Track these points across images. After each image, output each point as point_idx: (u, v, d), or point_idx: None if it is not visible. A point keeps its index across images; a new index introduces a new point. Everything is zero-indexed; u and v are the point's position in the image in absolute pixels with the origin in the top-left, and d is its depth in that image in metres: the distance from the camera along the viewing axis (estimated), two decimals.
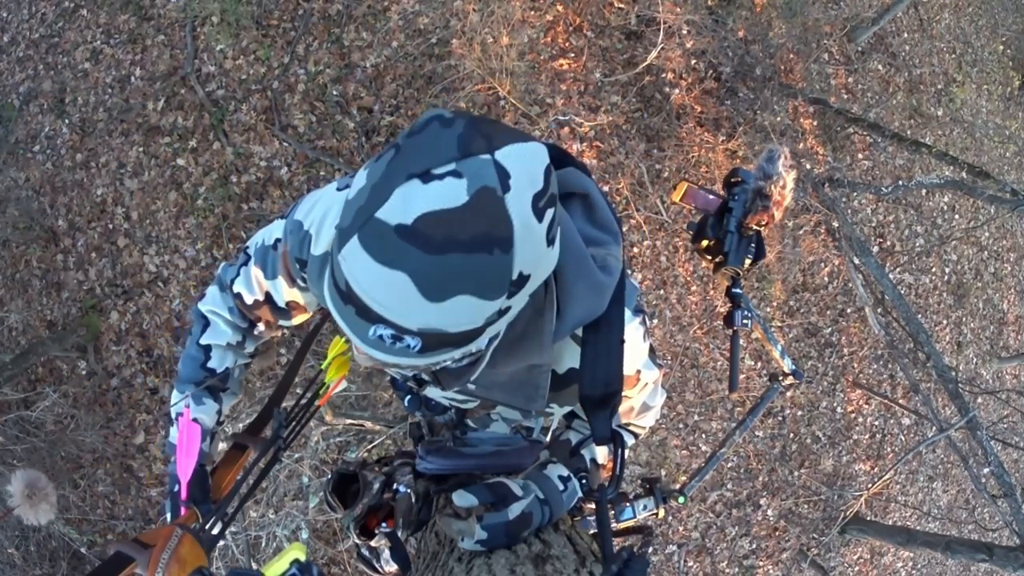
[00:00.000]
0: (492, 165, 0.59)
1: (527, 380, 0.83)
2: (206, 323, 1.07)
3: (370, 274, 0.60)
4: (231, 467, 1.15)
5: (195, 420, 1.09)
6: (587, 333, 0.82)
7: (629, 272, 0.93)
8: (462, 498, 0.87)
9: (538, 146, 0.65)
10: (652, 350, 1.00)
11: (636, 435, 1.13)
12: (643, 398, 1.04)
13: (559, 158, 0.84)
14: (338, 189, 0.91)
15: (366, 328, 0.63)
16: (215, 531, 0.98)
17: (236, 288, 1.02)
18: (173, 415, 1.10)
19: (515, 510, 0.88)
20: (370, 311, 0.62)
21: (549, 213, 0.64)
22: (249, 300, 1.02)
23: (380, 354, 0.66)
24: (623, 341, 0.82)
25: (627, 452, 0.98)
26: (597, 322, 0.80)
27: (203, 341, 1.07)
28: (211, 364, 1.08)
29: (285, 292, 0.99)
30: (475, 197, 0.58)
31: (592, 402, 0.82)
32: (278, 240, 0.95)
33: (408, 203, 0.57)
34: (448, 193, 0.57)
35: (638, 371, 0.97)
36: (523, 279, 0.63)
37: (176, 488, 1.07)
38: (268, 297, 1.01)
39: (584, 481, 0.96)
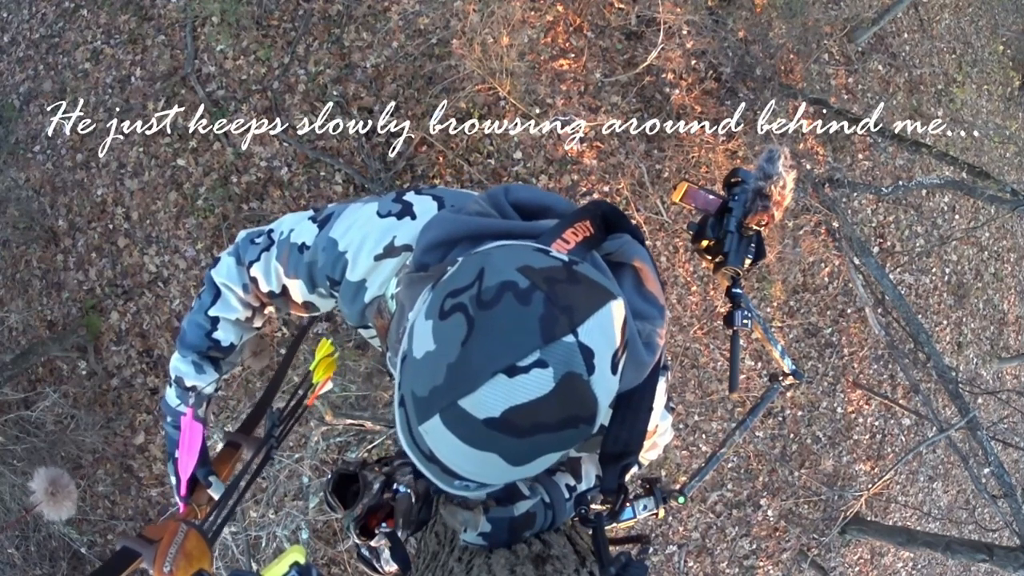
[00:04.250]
0: (577, 349, 0.59)
1: None
2: (217, 293, 1.05)
3: (457, 452, 0.61)
4: (225, 465, 1.16)
5: (195, 391, 1.08)
6: (621, 399, 0.83)
7: None
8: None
9: (616, 305, 0.64)
10: (669, 398, 1.04)
11: (641, 466, 1.16)
12: (654, 440, 1.08)
13: (616, 222, 0.84)
14: (379, 215, 0.89)
15: (451, 481, 0.66)
16: (215, 527, 0.99)
17: (254, 272, 1.01)
18: (172, 376, 1.09)
19: (520, 508, 0.90)
20: (456, 474, 0.64)
21: (622, 361, 0.66)
22: (265, 288, 1.01)
23: (464, 493, 0.68)
24: (652, 408, 0.84)
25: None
26: (632, 391, 0.82)
27: (212, 312, 1.05)
28: (217, 335, 1.06)
29: (304, 294, 0.98)
30: (561, 384, 0.58)
31: (609, 457, 0.84)
32: (305, 246, 0.94)
33: (495, 399, 0.57)
34: (535, 385, 0.57)
35: (656, 424, 1.01)
36: (598, 429, 0.66)
37: (175, 464, 1.08)
38: (285, 291, 1.00)
39: (584, 510, 0.97)
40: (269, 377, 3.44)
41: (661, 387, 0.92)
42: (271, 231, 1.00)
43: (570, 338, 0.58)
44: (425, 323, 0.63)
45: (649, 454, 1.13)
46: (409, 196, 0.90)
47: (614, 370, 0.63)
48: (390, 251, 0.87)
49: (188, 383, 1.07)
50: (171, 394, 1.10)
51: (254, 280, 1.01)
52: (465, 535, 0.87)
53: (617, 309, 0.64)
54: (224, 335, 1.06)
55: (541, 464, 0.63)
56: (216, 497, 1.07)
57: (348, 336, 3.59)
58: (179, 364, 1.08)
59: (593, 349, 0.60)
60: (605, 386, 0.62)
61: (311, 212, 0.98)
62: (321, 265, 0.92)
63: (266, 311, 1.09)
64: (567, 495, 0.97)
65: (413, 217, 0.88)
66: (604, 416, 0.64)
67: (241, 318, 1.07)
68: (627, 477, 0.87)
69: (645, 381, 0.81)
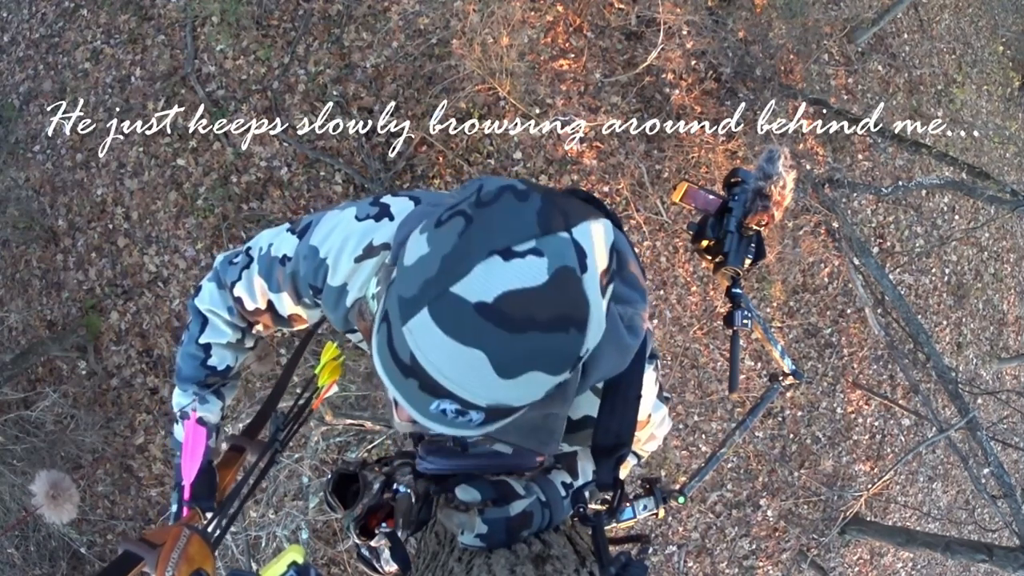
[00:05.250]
0: (571, 244, 0.59)
1: (542, 425, 0.82)
2: (204, 321, 1.05)
3: (443, 350, 0.58)
4: (230, 469, 1.16)
5: (200, 421, 1.08)
6: (607, 387, 0.83)
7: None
8: (465, 492, 0.88)
9: (605, 223, 0.65)
10: (660, 388, 1.03)
11: (640, 458, 1.15)
12: (650, 431, 1.07)
13: (592, 206, 0.85)
14: (357, 218, 0.89)
15: (429, 402, 0.62)
16: (217, 532, 0.98)
17: (237, 292, 1.01)
18: (177, 413, 1.09)
19: (516, 507, 0.89)
20: (438, 386, 0.60)
21: (609, 289, 0.65)
22: (250, 307, 1.01)
23: (438, 426, 0.65)
24: (640, 396, 0.83)
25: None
26: (618, 378, 0.82)
27: (203, 340, 1.06)
28: (211, 362, 1.07)
29: (288, 307, 0.98)
30: (555, 276, 0.57)
31: (601, 450, 0.84)
32: (287, 257, 0.93)
33: (490, 280, 0.56)
34: (530, 272, 0.56)
35: (649, 414, 1.01)
36: (587, 351, 0.63)
37: (180, 488, 1.07)
38: (270, 306, 1.00)
39: (582, 508, 0.96)
40: (270, 379, 3.45)
41: (651, 376, 0.91)
42: (248, 249, 1.00)
43: (565, 234, 0.58)
44: (420, 236, 0.63)
45: (649, 446, 1.12)
46: (386, 199, 0.91)
47: (603, 293, 0.63)
48: (369, 251, 0.87)
49: (196, 416, 1.08)
50: (179, 431, 1.10)
51: (238, 300, 1.01)
52: (463, 537, 0.86)
53: (607, 230, 0.65)
54: (219, 360, 1.07)
55: (527, 386, 0.60)
56: (208, 516, 1.07)
57: (347, 338, 3.59)
58: (181, 399, 1.08)
59: (586, 251, 0.60)
60: (595, 296, 0.60)
61: (288, 225, 0.98)
62: (303, 274, 0.92)
63: (255, 331, 1.08)
64: (563, 493, 0.96)
65: (391, 218, 0.88)
66: (593, 338, 0.62)
67: (232, 340, 1.07)
68: (625, 474, 0.87)
69: (631, 368, 0.81)
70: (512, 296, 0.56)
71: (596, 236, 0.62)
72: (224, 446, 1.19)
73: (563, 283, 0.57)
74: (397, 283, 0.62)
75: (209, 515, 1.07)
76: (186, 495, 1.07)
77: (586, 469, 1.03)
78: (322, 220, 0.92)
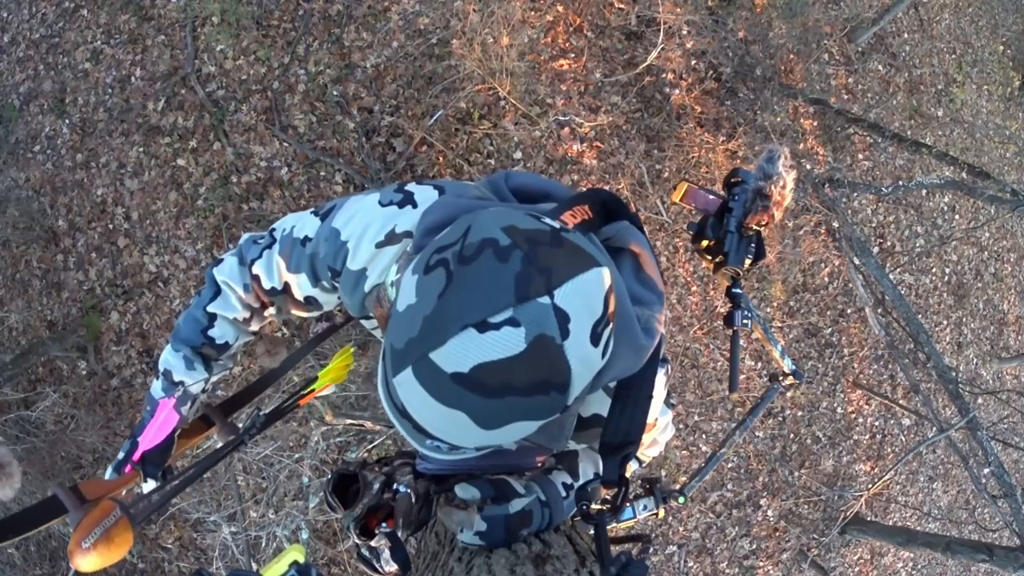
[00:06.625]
0: (551, 311, 0.58)
1: (554, 424, 0.83)
2: (217, 291, 1.05)
3: (426, 407, 0.60)
4: (191, 439, 1.14)
5: (182, 392, 1.07)
6: (620, 386, 0.83)
7: None
8: (464, 490, 0.89)
9: (598, 273, 0.62)
10: (668, 394, 1.03)
11: (640, 463, 1.17)
12: (654, 435, 1.07)
13: (615, 210, 0.84)
14: (381, 204, 0.90)
15: (423, 440, 0.65)
16: (153, 498, 0.98)
17: (256, 270, 1.01)
18: (161, 369, 1.08)
19: (516, 505, 0.90)
20: (427, 432, 0.63)
21: (606, 333, 0.64)
22: (267, 285, 1.01)
23: (438, 456, 0.67)
24: (651, 397, 0.84)
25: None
26: (631, 378, 0.82)
27: (211, 308, 1.05)
28: (212, 332, 1.06)
29: (306, 289, 0.99)
30: (533, 346, 0.57)
31: (609, 447, 0.84)
32: (308, 238, 0.94)
33: (464, 354, 0.57)
34: (505, 343, 0.56)
35: (655, 418, 1.01)
36: (578, 398, 0.64)
37: (134, 445, 1.06)
38: (287, 288, 1.00)
39: (585, 506, 0.97)
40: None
41: (661, 379, 0.91)
42: (273, 230, 1.01)
43: (545, 299, 0.57)
44: (411, 278, 0.64)
45: (650, 451, 1.12)
46: (410, 186, 0.91)
47: (595, 340, 0.61)
48: (391, 238, 0.88)
49: (176, 377, 1.07)
50: (157, 387, 1.09)
51: (256, 278, 1.01)
52: (462, 535, 0.87)
53: (601, 277, 0.63)
54: (220, 332, 1.06)
55: (512, 432, 0.62)
56: (146, 491, 1.05)
57: (348, 336, 3.59)
58: (170, 357, 1.07)
59: (569, 314, 0.58)
60: (581, 354, 0.60)
61: (313, 209, 0.99)
62: (323, 256, 0.92)
63: (266, 313, 1.08)
64: (564, 493, 0.96)
65: (414, 206, 0.89)
66: (580, 389, 0.62)
67: (239, 318, 1.06)
68: (628, 472, 0.87)
69: (645, 368, 0.81)
70: (488, 367, 0.57)
71: (584, 292, 0.60)
72: (195, 415, 1.16)
73: (541, 351, 0.57)
74: (391, 329, 0.64)
75: (150, 481, 1.05)
76: (136, 456, 1.05)
77: (587, 470, 1.03)
78: (346, 204, 0.93)
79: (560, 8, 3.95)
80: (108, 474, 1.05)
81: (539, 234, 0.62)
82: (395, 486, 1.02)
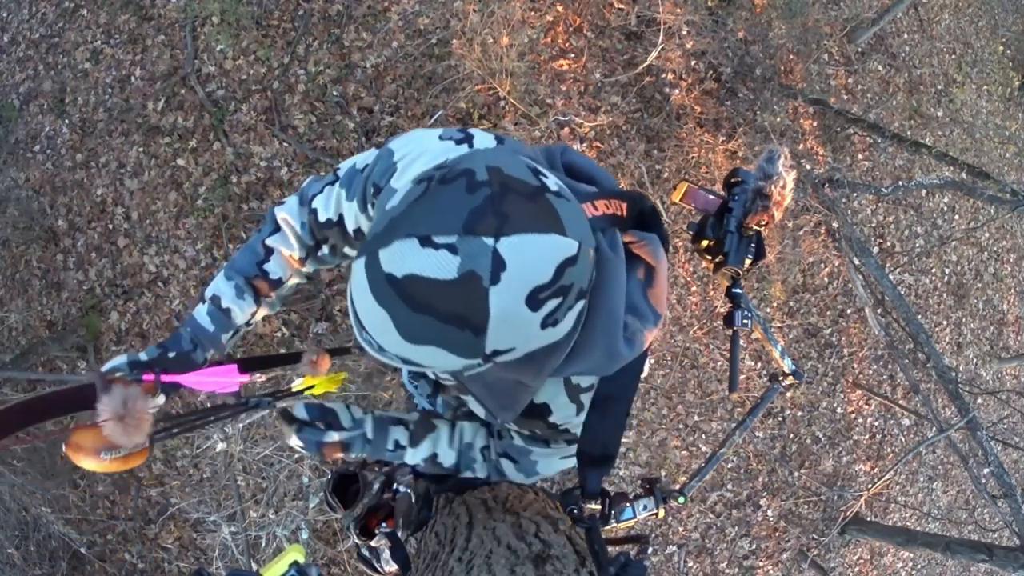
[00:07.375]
0: (490, 253, 0.59)
1: (509, 391, 0.82)
2: (277, 227, 1.08)
3: (363, 299, 0.64)
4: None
5: (218, 331, 1.05)
6: (598, 397, 0.84)
7: None
8: (298, 410, 0.99)
9: (555, 240, 0.62)
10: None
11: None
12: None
13: (651, 220, 0.85)
14: (440, 138, 0.92)
15: (360, 332, 0.68)
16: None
17: (315, 204, 1.04)
18: (208, 294, 1.08)
19: (331, 436, 0.99)
20: (362, 323, 0.66)
21: (552, 303, 0.63)
22: (322, 218, 1.03)
23: (371, 351, 0.70)
24: (628, 413, 0.85)
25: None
26: (611, 390, 0.83)
27: (269, 242, 1.07)
28: (268, 266, 1.08)
29: (355, 218, 1.00)
30: (461, 279, 0.59)
31: (588, 458, 0.85)
32: (367, 165, 0.97)
33: (401, 259, 0.60)
34: (438, 265, 0.59)
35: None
36: (500, 352, 0.64)
37: (164, 355, 1.02)
38: (340, 219, 1.02)
39: (575, 509, 0.97)
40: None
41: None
42: (338, 169, 1.04)
43: (490, 240, 0.59)
44: (408, 184, 0.68)
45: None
46: (473, 130, 0.94)
47: (532, 304, 0.61)
48: None
49: (225, 304, 1.07)
50: (201, 310, 1.08)
51: (313, 212, 1.04)
52: (287, 439, 1.00)
53: (558, 244, 0.62)
54: (275, 267, 1.08)
55: (430, 356, 0.63)
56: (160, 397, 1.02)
57: (348, 336, 3.59)
58: (221, 284, 1.07)
59: (507, 263, 0.59)
60: (507, 307, 0.60)
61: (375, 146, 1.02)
62: (375, 172, 0.94)
63: (319, 253, 1.09)
64: (391, 448, 1.02)
65: (471, 146, 0.90)
66: (503, 344, 0.63)
67: (295, 255, 1.09)
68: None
69: (625, 382, 0.82)
70: (417, 280, 0.60)
71: (532, 251, 0.60)
72: (222, 353, 1.13)
73: (467, 287, 0.59)
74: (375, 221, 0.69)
75: (161, 397, 1.00)
76: (164, 376, 1.00)
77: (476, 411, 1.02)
78: (408, 133, 0.96)
79: (560, 8, 3.95)
80: (120, 362, 0.99)
81: (517, 183, 0.63)
82: (395, 486, 1.02)
